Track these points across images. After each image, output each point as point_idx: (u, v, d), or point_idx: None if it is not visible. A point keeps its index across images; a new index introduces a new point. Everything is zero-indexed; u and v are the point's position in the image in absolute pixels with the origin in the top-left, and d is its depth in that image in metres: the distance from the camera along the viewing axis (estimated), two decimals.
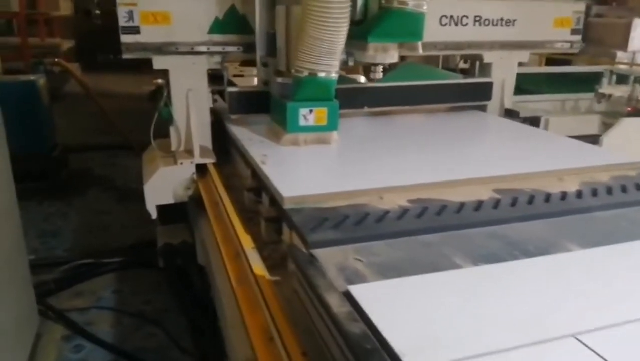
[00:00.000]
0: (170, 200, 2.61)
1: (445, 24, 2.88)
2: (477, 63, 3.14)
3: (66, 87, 8.65)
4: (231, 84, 2.90)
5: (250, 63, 4.09)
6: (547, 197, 1.80)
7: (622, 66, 3.69)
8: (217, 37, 2.59)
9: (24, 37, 8.12)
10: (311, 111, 2.35)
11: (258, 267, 1.60)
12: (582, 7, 3.13)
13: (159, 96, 2.68)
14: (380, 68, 2.44)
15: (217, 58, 2.62)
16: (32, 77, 4.97)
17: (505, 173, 1.98)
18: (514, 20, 3.01)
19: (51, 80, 5.49)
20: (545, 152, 2.36)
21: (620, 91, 3.28)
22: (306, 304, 1.30)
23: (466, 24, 2.92)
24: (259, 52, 2.59)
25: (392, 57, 2.29)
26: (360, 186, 1.82)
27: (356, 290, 1.18)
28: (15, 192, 2.57)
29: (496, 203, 1.74)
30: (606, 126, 3.06)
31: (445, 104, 3.12)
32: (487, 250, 1.46)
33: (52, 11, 9.82)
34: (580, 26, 3.15)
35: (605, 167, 2.10)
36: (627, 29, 5.16)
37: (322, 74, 2.26)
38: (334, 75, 2.31)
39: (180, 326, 2.96)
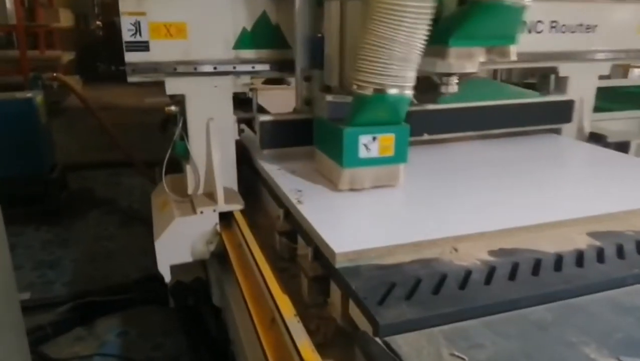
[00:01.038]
0: (189, 259, 2.13)
1: None
2: (552, 77, 2.61)
3: (66, 102, 8.69)
4: (261, 109, 2.35)
5: (275, 81, 3.61)
6: None
7: None
8: (245, 53, 2.11)
9: (23, 51, 8.16)
10: (374, 138, 1.85)
11: (306, 347, 1.32)
12: None
13: (171, 126, 2.14)
14: (456, 80, 1.91)
15: (246, 79, 2.15)
16: (28, 94, 4.75)
17: (598, 212, 1.75)
18: (595, 26, 2.56)
19: (50, 95, 5.35)
20: (635, 183, 2.07)
21: None
22: None
23: (541, 31, 2.46)
24: (300, 64, 2.10)
25: (475, 65, 1.84)
26: (427, 235, 1.56)
27: None
28: (10, 220, 2.20)
29: (600, 255, 1.52)
30: None
31: (520, 128, 2.67)
32: (624, 335, 1.20)
33: (52, 23, 9.78)
34: None
35: None
36: None
37: (393, 90, 1.73)
38: (408, 92, 1.77)
39: None
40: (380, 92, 1.73)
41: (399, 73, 1.69)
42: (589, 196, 1.92)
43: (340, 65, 1.99)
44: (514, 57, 1.84)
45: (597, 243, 1.59)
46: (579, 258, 1.50)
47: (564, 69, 2.65)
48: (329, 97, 1.98)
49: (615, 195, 1.89)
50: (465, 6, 1.75)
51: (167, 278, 2.11)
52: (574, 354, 1.13)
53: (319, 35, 2.05)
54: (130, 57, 1.97)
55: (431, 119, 2.38)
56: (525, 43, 2.37)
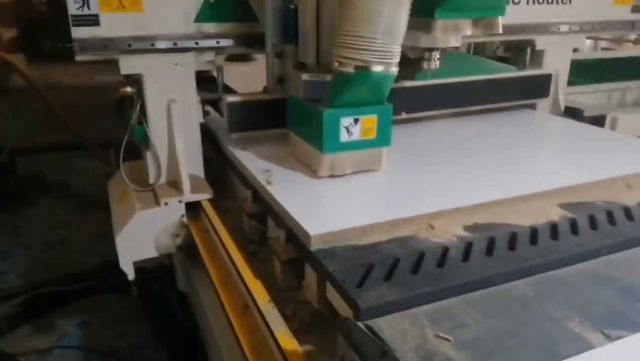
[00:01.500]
0: (153, 254, 2.01)
1: None
2: (528, 50, 2.57)
3: (10, 82, 8.03)
4: (227, 89, 2.22)
5: (240, 57, 3.46)
6: (628, 213, 1.62)
7: None
8: (208, 26, 1.96)
9: None
10: (356, 120, 1.74)
11: (283, 334, 1.29)
12: None
13: (127, 108, 2.01)
14: (438, 55, 1.85)
15: (209, 55, 1.98)
16: None
17: (568, 183, 1.77)
18: None
19: None
20: (606, 156, 2.10)
21: None
22: None
23: (518, 2, 2.39)
24: (270, 39, 1.96)
25: (459, 40, 1.78)
26: (402, 213, 1.53)
27: None
28: None
29: (573, 227, 1.53)
30: None
31: (498, 104, 2.63)
32: (604, 307, 1.22)
33: None
34: None
35: None
36: None
37: (378, 68, 1.60)
38: (394, 69, 1.66)
39: None
40: (363, 70, 1.61)
41: (384, 48, 1.58)
42: (561, 169, 1.93)
43: (317, 40, 1.86)
44: (500, 30, 1.78)
45: (570, 214, 1.61)
46: (553, 230, 1.52)
47: (540, 41, 2.62)
48: (305, 76, 1.86)
49: (586, 167, 1.91)
50: None
51: (131, 275, 2.00)
52: (559, 329, 1.13)
53: (292, 6, 1.91)
54: (77, 32, 1.79)
55: (409, 97, 2.32)
56: None
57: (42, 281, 3.45)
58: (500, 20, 1.76)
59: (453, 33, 1.76)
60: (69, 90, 7.48)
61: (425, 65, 1.88)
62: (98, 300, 3.35)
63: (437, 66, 1.89)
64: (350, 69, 1.61)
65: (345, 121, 1.73)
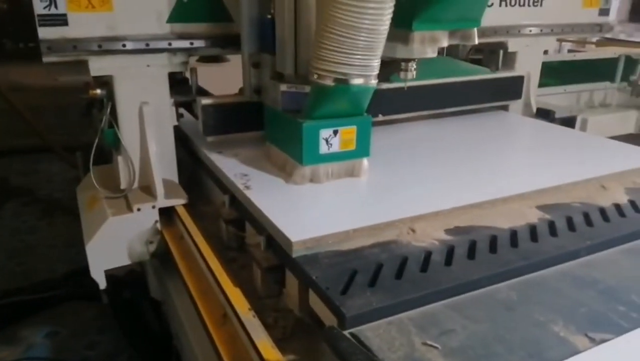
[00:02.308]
0: (126, 262, 1.93)
1: None
2: (501, 53, 2.60)
3: None
4: (201, 91, 2.16)
5: (213, 58, 3.39)
6: (604, 214, 1.65)
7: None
8: (181, 26, 1.90)
9: None
10: (335, 132, 1.73)
11: (265, 344, 1.25)
12: None
13: (97, 111, 1.93)
14: (415, 65, 1.84)
15: (183, 56, 1.93)
16: None
17: (545, 185, 1.79)
18: (542, 0, 2.52)
19: None
20: (580, 157, 2.13)
21: None
22: None
23: (491, 5, 2.42)
24: (247, 48, 1.92)
25: (435, 50, 1.76)
26: (384, 217, 1.52)
27: None
28: None
29: (552, 229, 1.55)
30: None
31: (473, 105, 2.65)
32: (587, 309, 1.23)
33: None
34: (609, 6, 2.70)
35: None
36: None
37: (357, 81, 1.60)
38: (373, 82, 1.65)
39: None
40: (342, 83, 1.59)
41: (363, 62, 1.56)
42: (537, 171, 1.95)
43: (295, 50, 1.81)
44: (476, 41, 1.80)
45: (548, 216, 1.62)
46: (533, 232, 1.53)
47: (512, 44, 2.66)
48: (284, 87, 1.82)
49: (561, 169, 1.93)
50: None
51: (102, 285, 1.93)
52: (544, 333, 1.13)
53: (269, 16, 1.87)
54: (44, 33, 1.71)
55: (385, 99, 2.30)
56: None
57: (7, 291, 3.33)
58: (476, 31, 1.77)
59: (430, 44, 1.74)
60: (32, 91, 7.26)
61: (402, 75, 1.87)
62: (67, 309, 3.25)
63: (414, 76, 1.89)
64: (329, 82, 1.60)
65: (325, 133, 1.72)
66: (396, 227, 1.51)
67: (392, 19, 1.56)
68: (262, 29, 1.88)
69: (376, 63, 1.60)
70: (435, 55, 1.76)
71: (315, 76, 1.61)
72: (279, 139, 1.91)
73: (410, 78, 1.86)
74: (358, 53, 1.53)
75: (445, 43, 1.76)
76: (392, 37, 1.64)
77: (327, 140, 1.73)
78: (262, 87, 1.98)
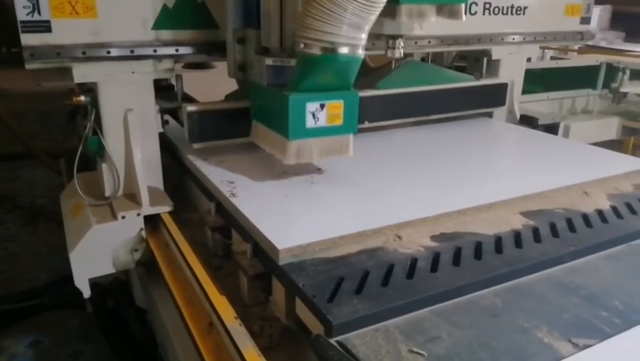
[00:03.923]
0: (110, 270, 1.90)
1: None
2: (484, 60, 2.63)
3: None
4: (187, 98, 2.15)
5: (199, 64, 3.39)
6: (587, 220, 1.67)
7: (627, 59, 3.40)
8: (166, 33, 1.88)
9: None
10: (322, 106, 1.69)
11: (251, 352, 1.24)
12: None
13: (80, 118, 1.91)
14: (402, 43, 1.82)
15: (168, 63, 1.90)
16: None
17: (529, 192, 1.81)
18: (525, 8, 2.60)
19: None
20: (563, 163, 2.16)
21: None
22: None
23: (475, 13, 2.45)
24: (232, 23, 1.88)
25: (422, 26, 1.81)
26: (370, 223, 1.53)
27: None
28: None
29: (536, 235, 1.57)
30: (625, 130, 2.73)
31: (458, 112, 2.67)
32: (571, 315, 1.24)
33: None
34: (590, 15, 2.75)
35: (625, 175, 2.02)
36: None
37: (344, 49, 1.56)
38: (360, 52, 1.61)
39: None
40: (330, 52, 1.55)
41: (351, 31, 1.53)
42: (520, 177, 1.96)
43: (280, 23, 1.77)
44: (463, 17, 1.79)
45: (531, 222, 1.63)
46: (517, 238, 1.54)
47: (496, 51, 2.68)
48: (269, 61, 1.78)
49: (544, 175, 1.95)
50: None
51: (86, 293, 1.89)
52: (528, 340, 1.14)
53: None
54: (27, 39, 1.69)
55: (371, 106, 2.31)
56: (461, 25, 2.38)
57: None
58: (462, 8, 1.77)
59: (417, 19, 1.74)
60: (16, 96, 7.17)
61: (389, 53, 1.85)
62: (51, 318, 3.21)
63: (402, 54, 1.88)
64: (316, 51, 1.56)
65: (311, 106, 1.68)
66: (383, 233, 1.51)
67: None
68: (247, 3, 1.84)
69: (364, 33, 1.58)
70: (421, 31, 1.75)
71: (302, 45, 1.58)
72: (264, 116, 1.87)
73: (397, 56, 1.85)
74: (346, 21, 1.51)
75: (432, 18, 1.75)
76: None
77: (313, 114, 1.69)
78: (247, 63, 1.94)
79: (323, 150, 1.77)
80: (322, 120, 1.71)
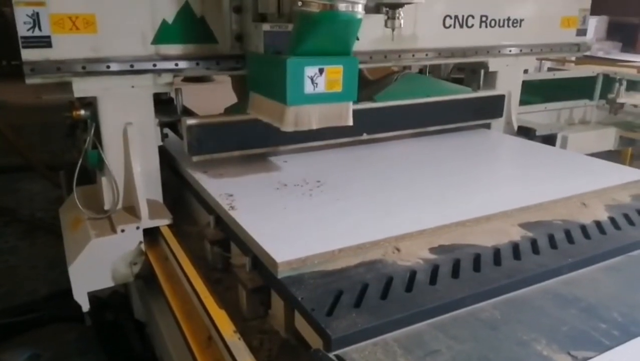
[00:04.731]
0: (109, 284, 1.90)
1: (450, 26, 2.42)
2: (482, 72, 2.64)
3: None
4: (186, 111, 2.16)
5: (198, 78, 3.40)
6: (585, 232, 1.67)
7: (623, 70, 3.42)
8: (166, 48, 1.90)
9: None
10: (321, 71, 1.64)
11: None
12: (587, 4, 2.76)
13: (80, 132, 1.92)
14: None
15: (168, 77, 1.92)
16: None
17: (527, 203, 1.81)
18: (521, 21, 2.61)
19: None
20: (561, 174, 2.16)
21: None
22: None
23: (472, 26, 2.47)
24: None
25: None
26: (370, 236, 1.53)
27: None
28: None
29: (534, 246, 1.57)
30: (623, 140, 2.74)
31: (456, 124, 2.68)
32: (569, 327, 1.24)
33: None
34: (586, 26, 2.77)
35: (622, 186, 2.02)
36: None
37: (342, 6, 1.52)
38: (360, 11, 1.57)
39: None
40: (328, 9, 1.51)
41: None
42: (518, 188, 1.97)
43: None
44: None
45: (530, 234, 1.64)
46: (516, 250, 1.54)
47: (493, 63, 2.70)
48: (266, 26, 1.76)
49: (542, 186, 1.96)
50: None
51: (85, 307, 1.89)
52: (527, 352, 1.14)
53: None
54: (28, 54, 1.70)
55: (369, 118, 2.33)
56: (458, 38, 2.46)
57: None
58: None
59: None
60: (15, 109, 7.18)
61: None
62: (49, 331, 3.15)
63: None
64: (314, 9, 1.53)
65: (310, 71, 1.63)
66: (381, 246, 1.52)
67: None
68: None
69: None
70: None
71: (300, 4, 1.54)
72: (262, 84, 1.81)
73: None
74: None
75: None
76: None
77: (312, 79, 1.64)
78: (243, 33, 1.93)
79: (322, 117, 1.72)
80: (321, 87, 1.66)
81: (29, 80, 1.70)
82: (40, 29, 1.67)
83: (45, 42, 1.69)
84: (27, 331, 3.17)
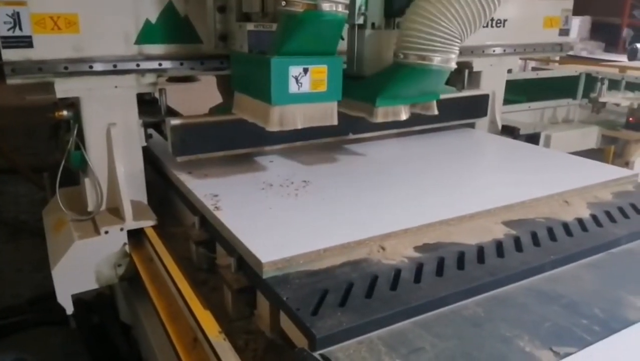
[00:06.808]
0: (93, 286, 1.88)
1: None
2: (466, 72, 2.66)
3: None
4: (170, 111, 2.15)
5: (182, 78, 3.38)
6: (567, 229, 1.69)
7: (605, 69, 3.47)
8: (150, 48, 1.88)
9: None
10: (306, 71, 1.65)
11: None
12: (570, 4, 2.80)
13: (63, 133, 1.90)
14: None
15: (151, 77, 1.90)
16: None
17: (510, 201, 1.82)
18: (505, 21, 2.63)
19: None
20: (544, 173, 2.18)
21: (624, 99, 2.99)
22: None
23: None
24: None
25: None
26: (355, 235, 1.53)
27: None
28: None
29: (517, 244, 1.59)
30: (605, 139, 2.78)
31: (440, 124, 2.67)
32: (552, 324, 1.25)
33: None
34: (569, 26, 2.80)
35: (604, 184, 2.04)
36: None
37: (326, 6, 1.53)
38: (342, 11, 1.59)
39: None
40: (312, 9, 1.53)
41: None
42: (502, 187, 1.98)
43: None
44: (435, 112, 1.92)
45: (513, 232, 1.65)
46: (499, 248, 1.56)
47: (477, 63, 2.72)
48: (250, 26, 1.75)
49: (525, 185, 1.97)
50: (390, 68, 1.72)
51: (69, 310, 1.87)
52: (510, 349, 1.15)
53: None
54: (8, 54, 1.68)
55: (354, 118, 2.30)
56: None
57: None
58: (434, 103, 1.84)
59: (392, 115, 1.87)
60: None
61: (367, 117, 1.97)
62: (34, 335, 3.14)
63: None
64: (298, 8, 1.54)
65: (294, 70, 1.63)
66: (366, 245, 1.52)
67: (358, 92, 1.73)
68: None
69: None
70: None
71: (284, 3, 1.55)
72: (246, 84, 1.81)
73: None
74: None
75: (404, 116, 1.90)
76: (358, 109, 1.84)
77: (297, 79, 1.64)
78: (228, 33, 1.93)
79: (307, 117, 1.72)
80: (306, 86, 1.66)
81: (10, 81, 1.68)
82: (21, 28, 1.65)
83: (26, 42, 1.67)
84: (11, 335, 3.13)
